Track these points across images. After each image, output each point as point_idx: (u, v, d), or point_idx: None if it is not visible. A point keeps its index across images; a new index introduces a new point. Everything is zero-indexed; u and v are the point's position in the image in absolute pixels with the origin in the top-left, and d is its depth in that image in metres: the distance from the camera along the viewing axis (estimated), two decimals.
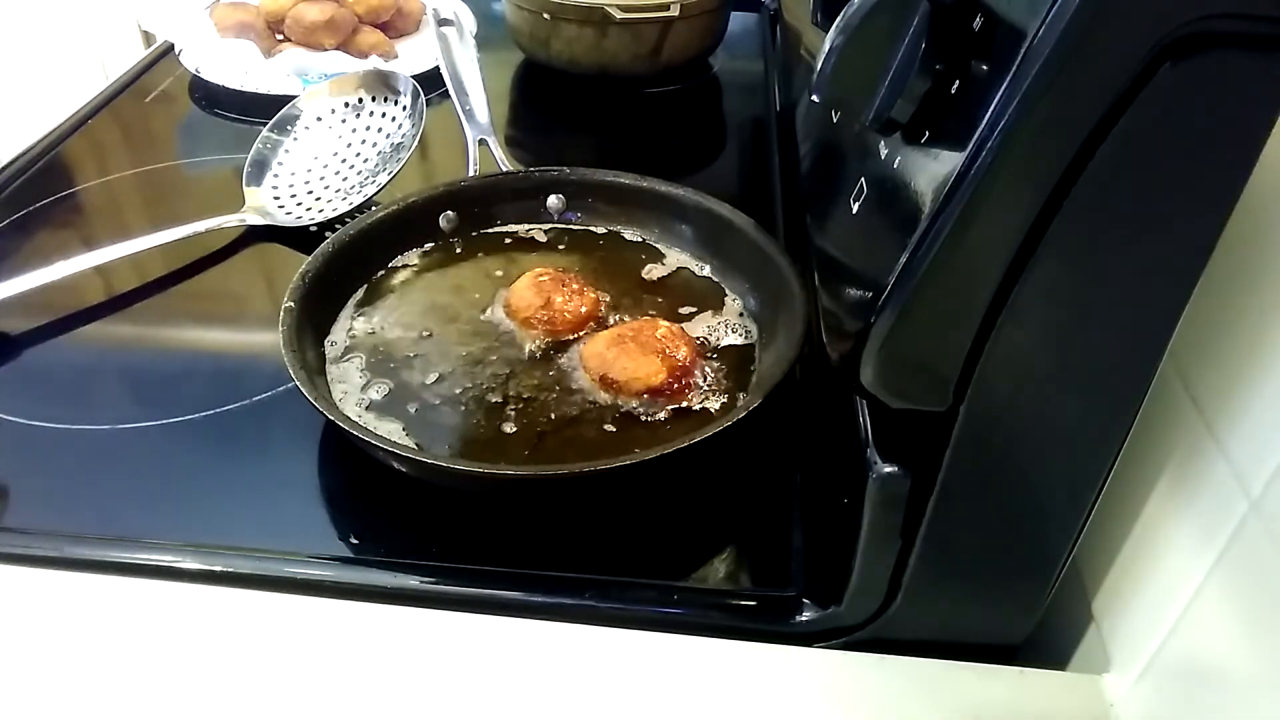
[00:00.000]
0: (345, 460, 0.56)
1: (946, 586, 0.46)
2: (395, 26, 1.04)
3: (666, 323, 0.60)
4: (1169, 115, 0.31)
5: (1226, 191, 0.33)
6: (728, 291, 0.66)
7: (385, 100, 0.81)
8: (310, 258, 0.62)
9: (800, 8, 0.74)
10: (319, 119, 0.81)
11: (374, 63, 0.95)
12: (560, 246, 0.71)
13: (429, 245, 0.70)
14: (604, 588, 0.50)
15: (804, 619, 0.49)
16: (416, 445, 0.54)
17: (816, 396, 0.58)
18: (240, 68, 0.94)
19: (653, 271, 0.68)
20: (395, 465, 0.52)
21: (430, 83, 0.85)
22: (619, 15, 0.89)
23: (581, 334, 0.62)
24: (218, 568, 0.51)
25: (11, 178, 0.81)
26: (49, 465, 0.57)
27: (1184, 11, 0.29)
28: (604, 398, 0.57)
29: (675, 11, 0.90)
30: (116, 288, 0.70)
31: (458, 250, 0.70)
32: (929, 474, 0.42)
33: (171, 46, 0.99)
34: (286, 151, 0.80)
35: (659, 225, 0.71)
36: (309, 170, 0.79)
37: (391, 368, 0.60)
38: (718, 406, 0.57)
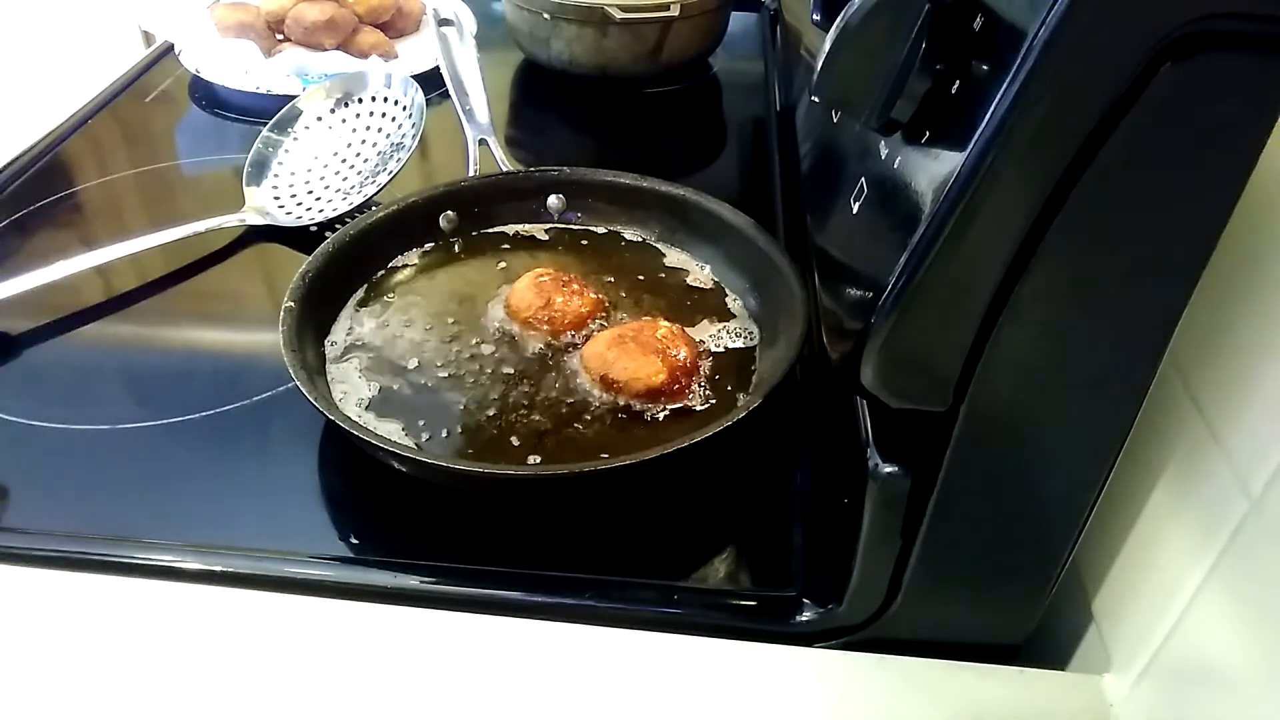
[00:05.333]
0: (345, 460, 0.56)
1: (946, 586, 0.46)
2: (395, 26, 1.04)
3: (667, 323, 0.60)
4: (1169, 115, 0.31)
5: (1227, 191, 0.33)
6: (728, 291, 0.66)
7: (385, 100, 0.81)
8: (310, 258, 0.62)
9: (800, 8, 0.74)
10: (319, 119, 0.81)
11: (374, 63, 0.95)
12: (560, 246, 0.71)
13: (429, 245, 0.70)
14: (604, 588, 0.50)
15: (804, 619, 0.49)
16: (416, 445, 0.54)
17: (816, 396, 0.58)
18: (240, 68, 0.94)
19: (653, 272, 0.68)
20: (395, 465, 0.52)
21: (430, 83, 0.85)
22: (619, 15, 0.89)
23: (582, 334, 0.62)
24: (218, 568, 0.51)
25: (11, 178, 0.81)
26: (49, 465, 0.57)
27: (1184, 11, 0.29)
28: (604, 398, 0.57)
29: (675, 11, 0.90)
30: (116, 288, 0.70)
31: (458, 250, 0.70)
32: (929, 474, 0.42)
33: (171, 46, 0.99)
34: (286, 151, 0.80)
35: (659, 225, 0.71)
36: (309, 170, 0.79)
37: (391, 368, 0.60)
38: (718, 406, 0.57)
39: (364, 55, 0.97)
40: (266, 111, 0.81)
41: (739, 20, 1.05)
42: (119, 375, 0.65)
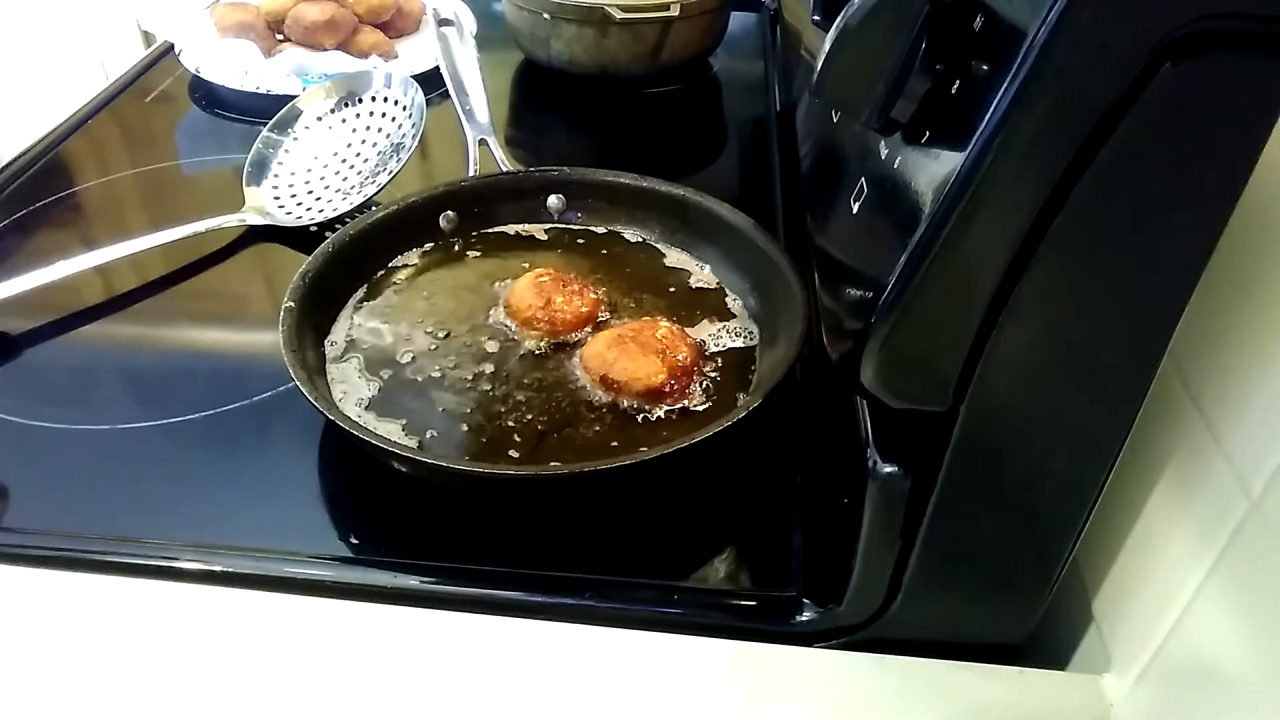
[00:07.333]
0: (345, 460, 0.56)
1: (946, 586, 0.46)
2: (395, 26, 1.04)
3: (667, 323, 0.60)
4: (1169, 116, 0.31)
5: (1227, 192, 0.33)
6: (728, 292, 0.66)
7: (385, 100, 0.81)
8: (310, 258, 0.62)
9: (800, 8, 0.74)
10: (319, 119, 0.81)
11: (374, 63, 0.95)
12: (560, 247, 0.71)
13: (429, 245, 0.70)
14: (604, 588, 0.50)
15: (804, 619, 0.49)
16: (416, 445, 0.54)
17: (816, 396, 0.58)
18: (240, 68, 0.94)
19: (653, 272, 0.68)
20: (395, 465, 0.52)
21: (430, 83, 0.85)
22: (619, 15, 0.89)
23: (582, 334, 0.62)
24: (218, 568, 0.51)
25: (11, 178, 0.81)
26: (49, 465, 0.57)
27: (1184, 11, 0.29)
28: (604, 398, 0.57)
29: (675, 11, 0.90)
30: (116, 288, 0.70)
31: (458, 250, 0.70)
32: (929, 474, 0.42)
33: (171, 46, 0.99)
34: (286, 151, 0.80)
35: (659, 225, 0.71)
36: (309, 170, 0.79)
37: (391, 367, 0.60)
38: (718, 406, 0.57)
39: (364, 55, 0.97)
40: (266, 111, 0.81)
41: (739, 20, 1.05)
42: (119, 375, 0.65)
